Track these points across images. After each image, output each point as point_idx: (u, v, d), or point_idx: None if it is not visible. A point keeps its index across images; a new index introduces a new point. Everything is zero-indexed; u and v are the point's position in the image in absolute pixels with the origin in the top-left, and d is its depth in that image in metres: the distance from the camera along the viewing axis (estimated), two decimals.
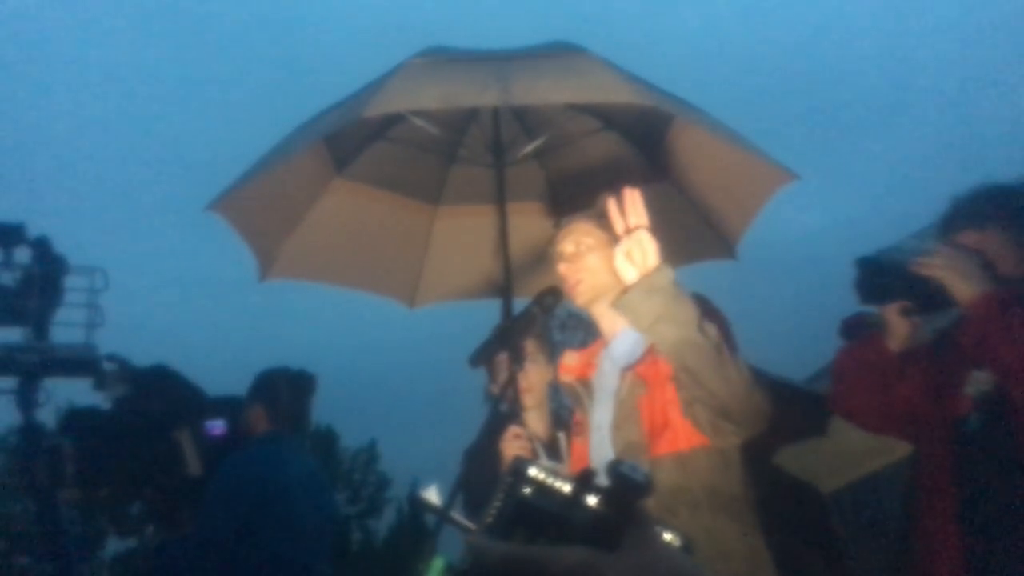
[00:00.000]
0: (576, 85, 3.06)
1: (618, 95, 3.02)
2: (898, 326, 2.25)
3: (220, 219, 3.48)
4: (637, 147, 3.84)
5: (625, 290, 2.25)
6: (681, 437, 2.36)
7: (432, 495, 2.95)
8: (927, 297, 2.15)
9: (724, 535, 2.22)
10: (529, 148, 3.62)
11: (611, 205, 2.31)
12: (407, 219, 4.00)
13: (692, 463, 2.33)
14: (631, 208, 2.27)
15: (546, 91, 3.06)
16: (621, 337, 2.55)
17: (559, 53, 3.28)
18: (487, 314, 3.57)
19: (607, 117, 3.79)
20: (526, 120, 3.72)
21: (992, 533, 2.04)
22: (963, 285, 2.09)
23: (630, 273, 2.25)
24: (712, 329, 2.23)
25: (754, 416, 2.30)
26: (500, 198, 3.43)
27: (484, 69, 3.04)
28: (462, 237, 4.04)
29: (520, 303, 3.77)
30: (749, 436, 2.36)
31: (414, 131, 3.59)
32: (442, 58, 3.25)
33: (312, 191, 3.75)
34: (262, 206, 3.61)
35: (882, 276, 2.20)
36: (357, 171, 3.80)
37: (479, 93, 2.94)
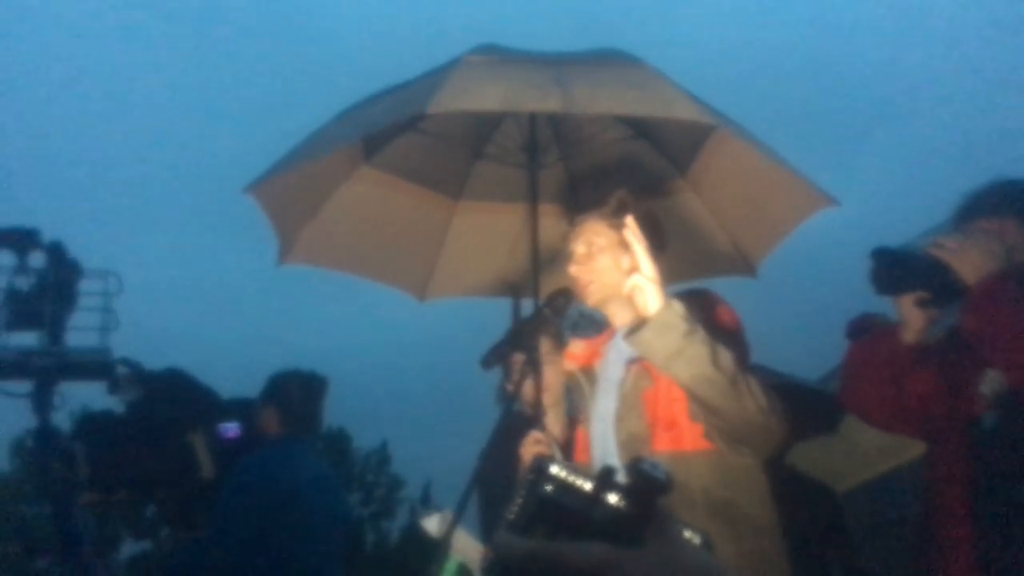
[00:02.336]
0: (638, 98, 3.01)
1: (681, 111, 2.97)
2: (914, 318, 2.22)
3: (247, 201, 3.47)
4: (666, 158, 3.83)
5: (637, 326, 2.26)
6: (686, 438, 2.37)
7: (432, 525, 2.96)
8: (943, 286, 2.12)
9: (714, 539, 2.22)
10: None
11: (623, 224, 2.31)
12: (427, 212, 3.99)
13: (693, 464, 2.34)
14: (632, 245, 2.27)
15: (608, 101, 3.03)
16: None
17: (616, 62, 3.24)
18: (499, 315, 3.58)
19: (640, 126, 3.77)
20: (559, 124, 3.71)
21: (1006, 535, 2.03)
22: (971, 269, 2.07)
23: (642, 305, 2.24)
24: (727, 359, 2.23)
25: (771, 442, 2.32)
26: (532, 200, 3.43)
27: (544, 73, 3.01)
28: (479, 234, 4.02)
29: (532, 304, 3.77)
30: (766, 458, 2.38)
31: (444, 124, 3.58)
32: (498, 58, 3.22)
33: (338, 178, 3.74)
34: (292, 190, 3.59)
35: (898, 266, 2.17)
36: (383, 160, 3.78)
37: (541, 98, 2.92)
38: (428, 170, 3.90)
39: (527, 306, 3.73)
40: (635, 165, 3.81)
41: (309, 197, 3.71)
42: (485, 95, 2.97)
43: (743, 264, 3.77)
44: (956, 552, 2.09)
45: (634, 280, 2.25)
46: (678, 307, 2.24)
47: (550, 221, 3.72)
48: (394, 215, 3.93)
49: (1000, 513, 2.04)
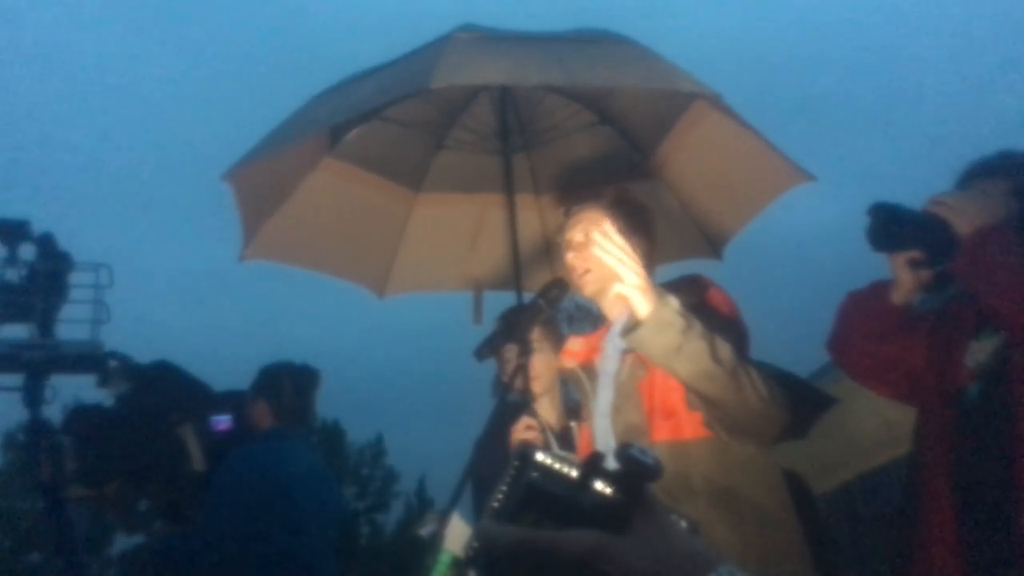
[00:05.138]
0: (638, 71, 2.98)
1: (683, 84, 2.94)
2: (905, 278, 2.21)
3: (228, 191, 3.41)
4: (630, 143, 3.80)
5: (634, 326, 2.23)
6: (685, 426, 2.36)
7: (427, 532, 2.95)
8: (940, 243, 2.09)
9: (717, 528, 2.22)
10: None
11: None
12: (387, 205, 3.91)
13: (693, 452, 2.34)
14: (608, 256, 2.22)
15: (609, 76, 3.00)
16: (624, 320, 2.55)
17: (606, 40, 3.20)
18: (493, 308, 3.56)
19: (605, 112, 3.75)
20: (522, 111, 3.68)
21: (986, 506, 2.03)
22: (969, 224, 2.05)
23: (637, 306, 2.21)
24: (726, 351, 2.21)
25: (772, 431, 2.31)
26: (508, 185, 3.40)
27: (540, 49, 2.97)
28: (438, 227, 3.96)
29: (492, 296, 3.76)
30: (768, 444, 2.37)
31: (409, 111, 3.52)
32: (488, 35, 3.16)
33: (304, 169, 3.66)
34: (263, 181, 3.51)
35: (895, 222, 2.15)
36: (346, 150, 3.71)
37: (543, 72, 2.87)
38: (389, 160, 3.83)
39: (491, 299, 3.72)
40: (599, 151, 3.78)
41: (275, 189, 3.63)
42: (487, 69, 2.91)
43: (708, 248, 3.75)
44: (938, 522, 2.09)
45: (618, 290, 2.22)
46: (673, 303, 2.21)
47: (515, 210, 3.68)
48: (354, 208, 3.85)
49: (980, 484, 2.04)
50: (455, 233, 3.93)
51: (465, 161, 3.76)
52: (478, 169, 3.72)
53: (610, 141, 3.80)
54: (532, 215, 3.89)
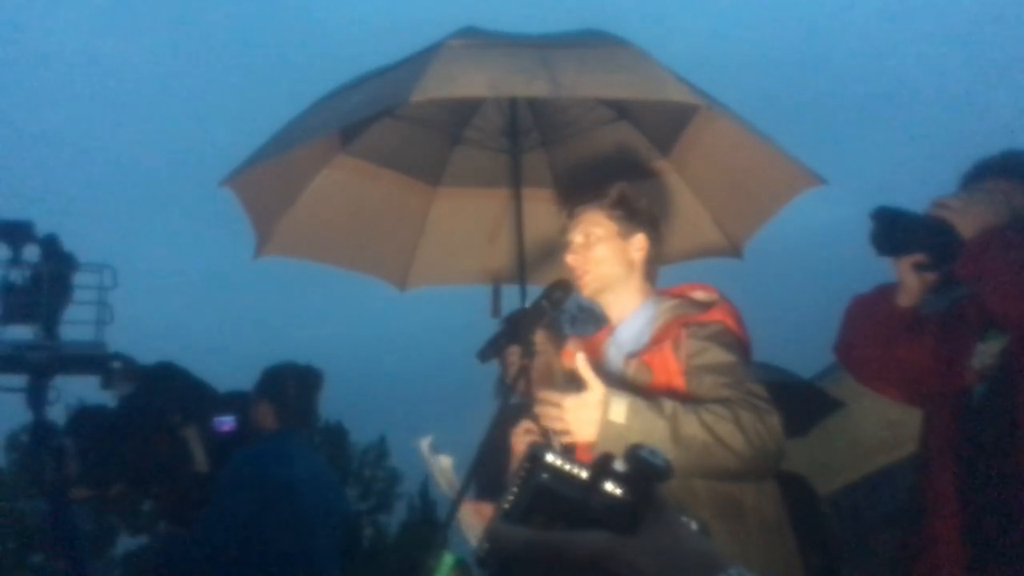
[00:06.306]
0: (627, 80, 2.96)
1: (672, 93, 2.93)
2: (911, 281, 2.21)
3: (231, 194, 3.43)
4: (648, 139, 3.80)
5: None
6: None
7: (426, 447, 2.93)
8: (944, 246, 2.10)
9: (721, 535, 2.21)
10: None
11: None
12: (405, 199, 3.92)
13: None
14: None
15: (596, 85, 2.98)
16: (627, 323, 2.55)
17: (601, 43, 3.19)
18: (511, 304, 3.56)
19: (622, 108, 3.75)
20: (540, 107, 3.68)
21: (990, 505, 2.03)
22: (973, 226, 2.05)
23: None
24: (692, 425, 2.19)
25: (767, 469, 2.29)
26: (516, 185, 3.40)
27: (530, 57, 2.95)
28: (459, 221, 3.96)
29: (510, 289, 3.76)
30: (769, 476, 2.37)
31: (422, 109, 3.53)
32: (481, 41, 3.16)
33: (315, 167, 3.68)
34: (269, 181, 3.54)
35: (898, 227, 2.15)
36: (360, 147, 3.71)
37: (528, 83, 2.86)
38: (406, 156, 3.83)
39: (510, 292, 3.72)
40: (617, 147, 3.77)
41: (286, 187, 3.65)
42: (470, 81, 2.91)
43: (728, 246, 3.75)
44: (943, 523, 2.09)
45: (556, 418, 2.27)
46: (615, 414, 2.21)
47: (533, 205, 3.69)
48: (372, 203, 3.87)
49: (986, 485, 2.04)
50: (475, 226, 3.94)
51: (483, 156, 3.77)
52: (497, 163, 3.73)
53: (628, 137, 3.79)
54: (551, 209, 3.90)
